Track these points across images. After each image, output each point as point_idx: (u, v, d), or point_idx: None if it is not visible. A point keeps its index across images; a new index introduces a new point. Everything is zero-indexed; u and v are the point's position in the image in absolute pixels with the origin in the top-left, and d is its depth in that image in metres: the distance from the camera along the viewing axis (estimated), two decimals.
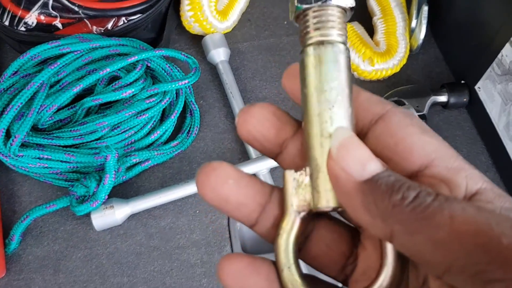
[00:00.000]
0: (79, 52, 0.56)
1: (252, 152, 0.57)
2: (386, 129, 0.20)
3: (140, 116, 0.54)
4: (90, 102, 0.53)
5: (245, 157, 0.59)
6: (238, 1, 0.65)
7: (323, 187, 0.20)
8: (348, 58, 0.20)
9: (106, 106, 0.56)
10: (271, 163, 0.55)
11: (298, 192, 0.20)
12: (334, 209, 0.20)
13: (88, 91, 0.57)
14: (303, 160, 0.21)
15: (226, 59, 0.63)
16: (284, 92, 0.62)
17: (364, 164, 0.18)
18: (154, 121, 0.57)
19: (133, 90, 0.53)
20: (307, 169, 0.20)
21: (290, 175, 0.21)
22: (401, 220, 0.16)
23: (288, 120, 0.22)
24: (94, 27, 0.60)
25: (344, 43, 0.20)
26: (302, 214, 0.20)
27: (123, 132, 0.55)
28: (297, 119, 0.22)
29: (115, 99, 0.53)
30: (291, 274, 0.20)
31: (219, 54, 0.62)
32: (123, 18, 0.60)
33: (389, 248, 0.19)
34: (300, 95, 0.21)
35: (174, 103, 0.58)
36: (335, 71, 0.20)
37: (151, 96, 0.54)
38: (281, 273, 0.20)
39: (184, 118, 0.60)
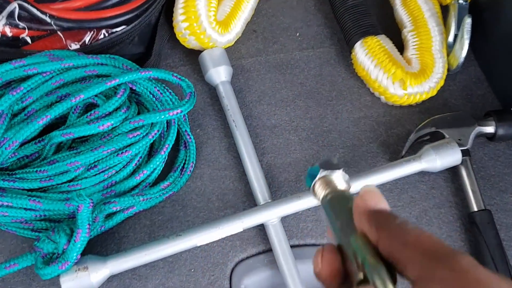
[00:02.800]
0: (48, 73, 0.46)
1: (259, 195, 0.47)
2: None
3: (121, 153, 0.44)
4: (59, 137, 0.43)
5: (250, 200, 0.49)
6: (241, 9, 0.55)
7: None
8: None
9: (81, 139, 0.46)
10: (282, 211, 0.45)
11: None
12: None
13: (60, 119, 0.47)
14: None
15: (228, 79, 0.53)
16: (297, 119, 0.52)
17: None
18: (140, 157, 0.46)
19: (112, 122, 0.43)
20: None
21: None
22: None
23: None
24: (69, 42, 0.50)
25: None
26: None
27: (101, 172, 0.45)
28: None
29: (90, 133, 0.43)
30: None
31: (219, 74, 0.52)
32: (104, 31, 0.50)
33: None
34: None
35: (165, 135, 0.48)
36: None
37: (135, 129, 0.44)
38: None
39: (177, 151, 0.50)
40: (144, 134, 0.45)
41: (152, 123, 0.45)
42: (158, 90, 0.48)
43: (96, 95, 0.45)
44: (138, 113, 0.48)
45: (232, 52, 0.56)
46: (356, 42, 0.53)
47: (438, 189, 0.49)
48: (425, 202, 0.49)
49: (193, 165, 0.49)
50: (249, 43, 0.57)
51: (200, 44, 0.52)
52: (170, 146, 0.47)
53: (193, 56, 0.56)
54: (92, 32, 0.50)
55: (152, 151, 0.48)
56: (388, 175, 0.47)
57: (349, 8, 0.54)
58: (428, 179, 0.50)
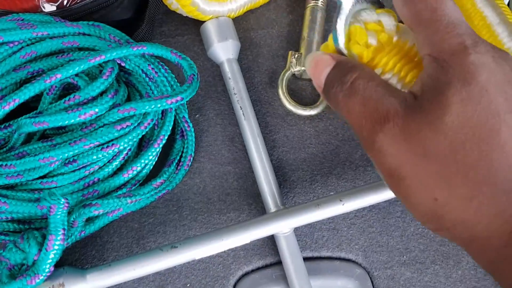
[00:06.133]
0: (17, 43, 0.37)
1: (269, 199, 0.40)
2: None
3: (107, 147, 0.36)
4: (30, 125, 0.35)
5: (257, 202, 0.42)
6: None
7: None
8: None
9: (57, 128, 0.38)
10: (297, 221, 0.38)
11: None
12: None
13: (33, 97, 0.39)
14: None
15: (235, 57, 0.45)
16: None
17: None
18: (129, 150, 0.39)
19: (96, 110, 0.35)
20: None
21: None
22: None
23: None
24: (42, 1, 0.41)
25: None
26: None
27: (81, 167, 0.37)
28: None
29: (69, 124, 0.35)
30: None
31: (225, 50, 0.44)
32: None
33: None
34: None
35: (159, 123, 0.40)
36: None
37: (124, 119, 0.36)
38: None
39: (173, 141, 0.42)
40: (136, 124, 0.37)
41: (145, 112, 0.37)
42: (152, 69, 0.40)
43: (76, 74, 0.37)
44: (128, 97, 0.40)
45: (239, 22, 0.48)
46: None
47: None
48: None
49: (191, 158, 0.42)
50: (259, 11, 0.49)
51: (182, 8, 0.43)
52: (166, 137, 0.40)
53: (192, 24, 0.47)
54: None
55: (143, 142, 0.40)
56: None
57: None
58: None
